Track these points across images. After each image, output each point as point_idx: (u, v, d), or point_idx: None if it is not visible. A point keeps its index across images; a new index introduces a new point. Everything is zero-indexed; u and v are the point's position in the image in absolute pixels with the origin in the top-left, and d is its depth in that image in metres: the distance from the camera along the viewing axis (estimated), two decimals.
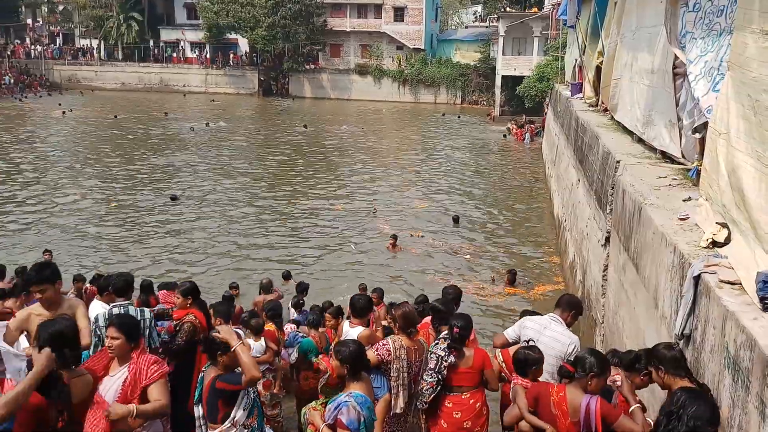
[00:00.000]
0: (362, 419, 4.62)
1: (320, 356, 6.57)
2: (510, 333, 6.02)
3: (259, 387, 6.85)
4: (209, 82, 62.54)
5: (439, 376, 5.47)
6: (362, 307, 6.46)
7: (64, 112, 45.32)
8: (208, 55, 64.34)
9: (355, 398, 4.67)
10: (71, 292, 10.33)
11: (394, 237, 17.46)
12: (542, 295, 14.04)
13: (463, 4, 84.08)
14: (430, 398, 5.52)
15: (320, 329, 7.66)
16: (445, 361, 5.47)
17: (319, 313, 8.15)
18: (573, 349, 5.58)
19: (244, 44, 63.25)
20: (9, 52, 66.01)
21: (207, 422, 4.78)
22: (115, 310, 6.04)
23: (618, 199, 8.63)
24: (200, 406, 4.82)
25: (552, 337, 5.62)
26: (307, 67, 61.71)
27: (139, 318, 5.92)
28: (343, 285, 14.34)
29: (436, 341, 5.66)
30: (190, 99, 57.58)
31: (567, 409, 4.54)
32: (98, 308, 6.56)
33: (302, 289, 11.00)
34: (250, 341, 6.95)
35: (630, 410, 4.54)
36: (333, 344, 5.91)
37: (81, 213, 20.56)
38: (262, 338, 7.13)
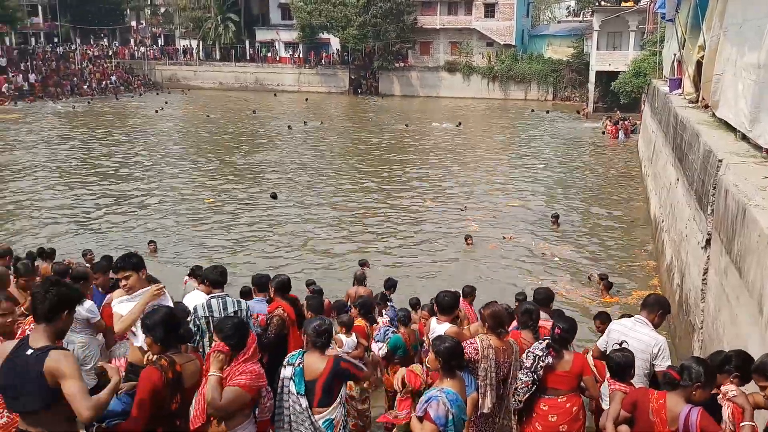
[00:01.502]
0: (451, 416, 4.58)
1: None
2: (601, 343, 5.99)
3: (350, 382, 6.97)
4: (302, 81, 63.80)
5: (535, 376, 5.39)
6: (449, 305, 6.40)
7: (156, 111, 47.37)
8: (301, 55, 65.64)
9: (447, 394, 4.64)
10: (193, 285, 10.63)
11: (469, 237, 17.51)
12: (639, 301, 13.56)
13: None
14: (525, 397, 5.45)
15: (411, 326, 7.70)
16: (543, 361, 5.39)
17: (408, 310, 8.21)
18: (658, 350, 5.48)
19: (335, 43, 64.18)
20: (112, 53, 69.50)
21: (315, 408, 4.85)
22: (213, 302, 6.21)
23: (720, 199, 8.27)
24: (305, 397, 4.86)
25: (637, 338, 5.51)
26: (397, 65, 61.98)
27: (235, 309, 6.11)
28: (428, 281, 14.42)
29: (539, 341, 5.59)
30: (283, 98, 58.88)
31: (666, 417, 4.39)
32: (198, 298, 6.79)
33: (390, 285, 11.06)
34: (342, 337, 7.07)
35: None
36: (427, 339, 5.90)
37: (179, 207, 21.50)
38: (354, 334, 7.22)
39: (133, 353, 5.64)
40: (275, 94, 60.32)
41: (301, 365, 4.90)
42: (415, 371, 5.58)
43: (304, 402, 4.88)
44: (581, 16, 64.25)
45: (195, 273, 11.43)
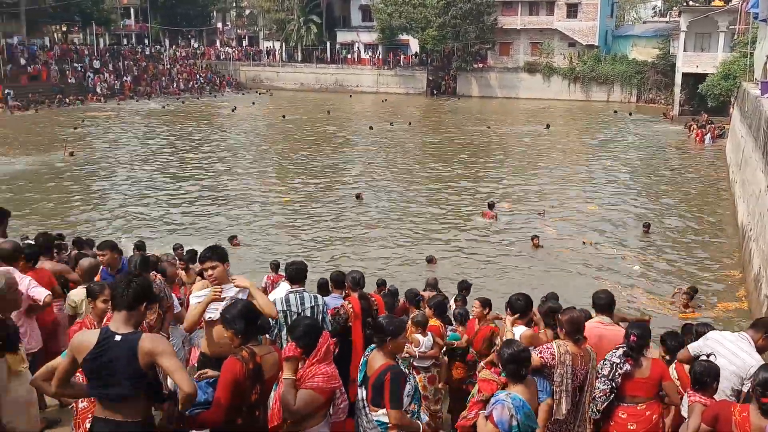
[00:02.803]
0: (515, 423, 4.54)
1: None
2: (694, 347, 5.69)
3: (425, 381, 7.02)
4: (380, 83, 64.10)
5: (613, 384, 5.34)
6: (521, 308, 6.18)
7: (233, 109, 48.53)
8: (380, 56, 66.04)
9: (513, 400, 4.62)
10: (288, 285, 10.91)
11: (536, 237, 17.52)
12: (725, 313, 13.10)
13: None
14: (603, 406, 5.39)
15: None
16: (620, 368, 5.33)
17: (466, 308, 8.26)
18: (753, 372, 5.22)
19: (414, 45, 64.24)
20: (199, 53, 71.72)
21: (369, 405, 4.85)
22: (291, 296, 6.35)
23: None
24: (364, 389, 4.89)
25: (733, 352, 5.25)
26: (476, 66, 61.49)
27: (312, 304, 6.27)
28: (499, 282, 14.42)
29: (615, 349, 5.51)
30: (361, 99, 59.26)
31: (749, 431, 4.27)
32: (281, 292, 6.94)
33: (464, 287, 11.06)
34: (419, 336, 7.14)
35: None
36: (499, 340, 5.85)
37: (260, 205, 22.09)
38: (430, 333, 7.26)
39: (205, 344, 5.83)
40: (350, 96, 60.70)
41: (366, 357, 4.94)
42: (486, 378, 5.55)
43: (361, 393, 4.89)
44: (668, 16, 62.29)
45: (277, 268, 11.85)
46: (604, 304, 6.43)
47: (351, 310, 6.63)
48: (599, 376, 5.43)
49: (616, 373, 5.32)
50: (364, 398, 4.88)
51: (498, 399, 4.69)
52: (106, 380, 3.98)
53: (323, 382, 4.57)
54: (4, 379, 4.63)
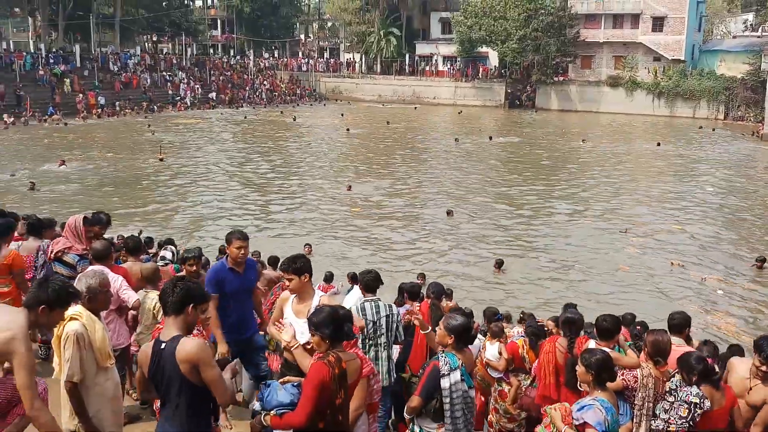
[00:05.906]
0: (607, 423, 4.52)
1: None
2: None
3: (496, 393, 6.92)
4: (458, 95, 63.76)
5: (692, 423, 4.99)
6: (606, 329, 5.94)
7: (294, 118, 49.50)
8: (459, 68, 65.92)
9: (601, 402, 4.61)
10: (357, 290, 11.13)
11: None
12: None
13: (732, 12, 77.19)
14: None
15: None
16: (700, 408, 4.97)
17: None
18: None
19: (493, 57, 63.85)
20: (282, 64, 73.39)
21: None
22: (367, 305, 6.42)
23: None
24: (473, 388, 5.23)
25: None
26: (556, 79, 60.63)
27: (387, 313, 6.36)
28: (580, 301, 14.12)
29: (688, 386, 5.21)
30: (439, 110, 59.13)
31: None
32: (353, 300, 7.02)
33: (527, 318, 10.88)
34: (489, 344, 7.09)
35: None
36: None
37: (335, 212, 22.37)
38: (497, 344, 7.13)
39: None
40: (415, 108, 59.90)
41: (464, 365, 5.02)
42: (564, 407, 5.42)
43: (473, 393, 5.12)
44: (759, 30, 59.86)
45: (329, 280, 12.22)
46: (677, 324, 6.25)
47: (418, 309, 6.70)
48: (678, 417, 5.05)
49: (696, 414, 4.95)
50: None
51: (585, 404, 4.66)
52: (161, 390, 4.17)
53: (367, 365, 4.92)
54: (93, 373, 4.86)
